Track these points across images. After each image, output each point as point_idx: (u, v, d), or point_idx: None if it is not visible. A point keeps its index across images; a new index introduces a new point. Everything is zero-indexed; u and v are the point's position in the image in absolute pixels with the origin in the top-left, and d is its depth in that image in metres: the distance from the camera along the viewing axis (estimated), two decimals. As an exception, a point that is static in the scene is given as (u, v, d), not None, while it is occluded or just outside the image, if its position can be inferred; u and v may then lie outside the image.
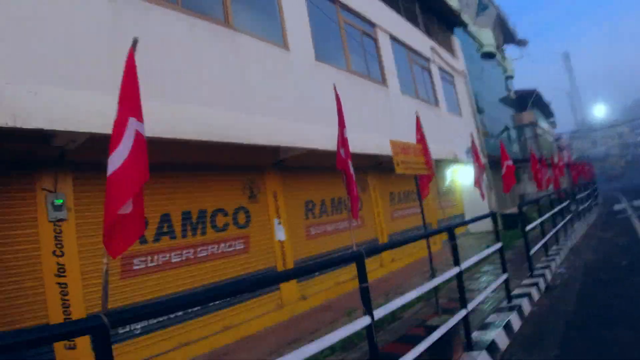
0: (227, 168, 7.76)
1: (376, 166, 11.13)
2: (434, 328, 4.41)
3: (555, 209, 10.51)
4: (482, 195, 9.28)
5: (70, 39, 5.16)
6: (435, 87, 14.09)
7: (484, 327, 5.45)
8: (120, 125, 2.56)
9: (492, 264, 9.80)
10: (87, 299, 5.77)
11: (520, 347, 4.99)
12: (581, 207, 15.85)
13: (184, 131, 6.00)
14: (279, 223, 8.36)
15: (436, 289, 5.53)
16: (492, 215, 6.50)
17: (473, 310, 6.08)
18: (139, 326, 6.21)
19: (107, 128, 5.20)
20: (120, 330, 6.01)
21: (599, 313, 5.62)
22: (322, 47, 9.22)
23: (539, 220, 8.89)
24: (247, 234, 7.89)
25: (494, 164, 19.56)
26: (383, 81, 10.91)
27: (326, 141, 8.28)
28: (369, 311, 3.23)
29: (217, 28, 7.11)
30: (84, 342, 5.51)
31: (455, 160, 14.00)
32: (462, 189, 17.04)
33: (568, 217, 12.71)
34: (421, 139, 6.06)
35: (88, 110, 5.01)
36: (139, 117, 2.69)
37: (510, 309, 5.98)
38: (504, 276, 6.18)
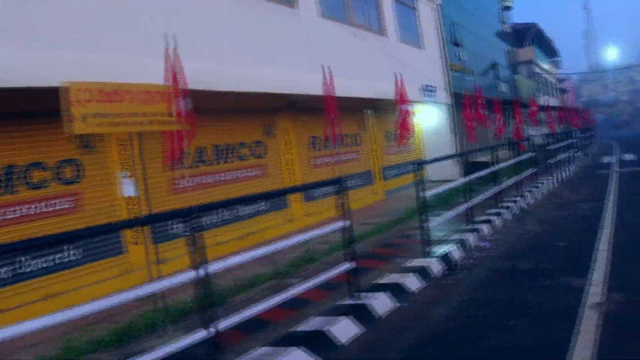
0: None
1: (290, 106, 9.30)
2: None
3: (481, 173, 8.66)
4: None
5: None
6: (382, 12, 11.77)
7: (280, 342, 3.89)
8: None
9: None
10: None
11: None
12: (553, 161, 13.96)
13: None
14: (126, 177, 6.71)
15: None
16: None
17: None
18: None
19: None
20: None
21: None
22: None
23: (447, 185, 7.11)
24: (77, 190, 6.33)
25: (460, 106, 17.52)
26: (288, 1, 8.75)
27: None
28: None
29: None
30: None
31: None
32: (424, 132, 15.18)
33: (524, 174, 10.98)
34: (174, 76, 4.14)
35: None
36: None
37: (349, 311, 4.40)
38: (345, 266, 4.55)
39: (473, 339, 3.87)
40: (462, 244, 6.69)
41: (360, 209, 10.94)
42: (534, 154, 12.13)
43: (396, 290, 5.02)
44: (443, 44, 15.14)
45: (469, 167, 13.69)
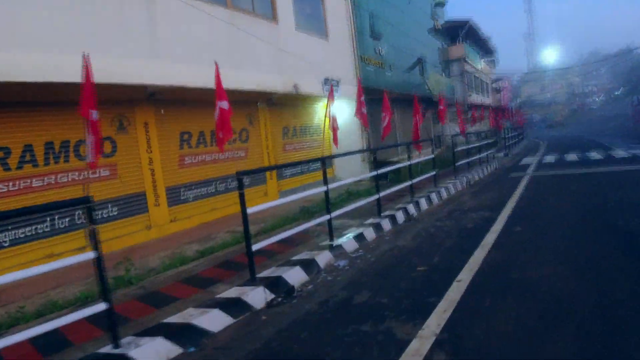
0: None
1: (150, 98, 8.20)
2: None
3: (347, 180, 7.92)
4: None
5: None
6: (274, -5, 10.77)
7: None
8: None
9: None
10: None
11: None
12: (460, 163, 13.57)
13: None
14: None
15: None
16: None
17: None
18: None
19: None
20: None
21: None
22: None
23: (289, 198, 6.21)
24: None
25: (375, 102, 16.96)
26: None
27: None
28: None
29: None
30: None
31: (298, 93, 11.15)
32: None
33: (420, 178, 10.40)
34: None
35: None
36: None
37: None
38: (98, 307, 3.59)
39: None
40: (307, 264, 5.81)
41: (234, 215, 10.03)
42: (434, 155, 11.57)
43: (187, 331, 4.11)
44: (354, 35, 14.34)
45: (378, 167, 13.11)
